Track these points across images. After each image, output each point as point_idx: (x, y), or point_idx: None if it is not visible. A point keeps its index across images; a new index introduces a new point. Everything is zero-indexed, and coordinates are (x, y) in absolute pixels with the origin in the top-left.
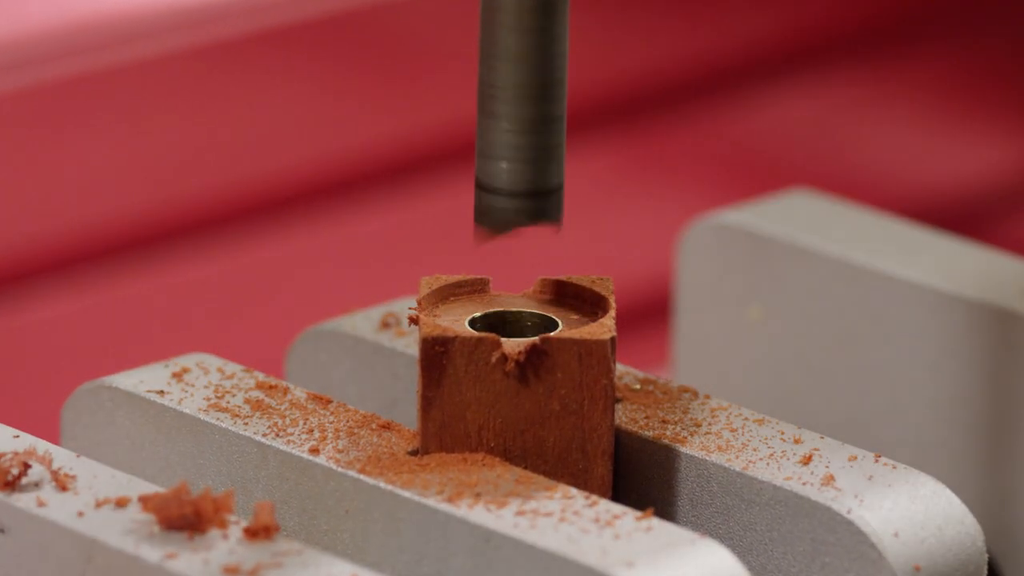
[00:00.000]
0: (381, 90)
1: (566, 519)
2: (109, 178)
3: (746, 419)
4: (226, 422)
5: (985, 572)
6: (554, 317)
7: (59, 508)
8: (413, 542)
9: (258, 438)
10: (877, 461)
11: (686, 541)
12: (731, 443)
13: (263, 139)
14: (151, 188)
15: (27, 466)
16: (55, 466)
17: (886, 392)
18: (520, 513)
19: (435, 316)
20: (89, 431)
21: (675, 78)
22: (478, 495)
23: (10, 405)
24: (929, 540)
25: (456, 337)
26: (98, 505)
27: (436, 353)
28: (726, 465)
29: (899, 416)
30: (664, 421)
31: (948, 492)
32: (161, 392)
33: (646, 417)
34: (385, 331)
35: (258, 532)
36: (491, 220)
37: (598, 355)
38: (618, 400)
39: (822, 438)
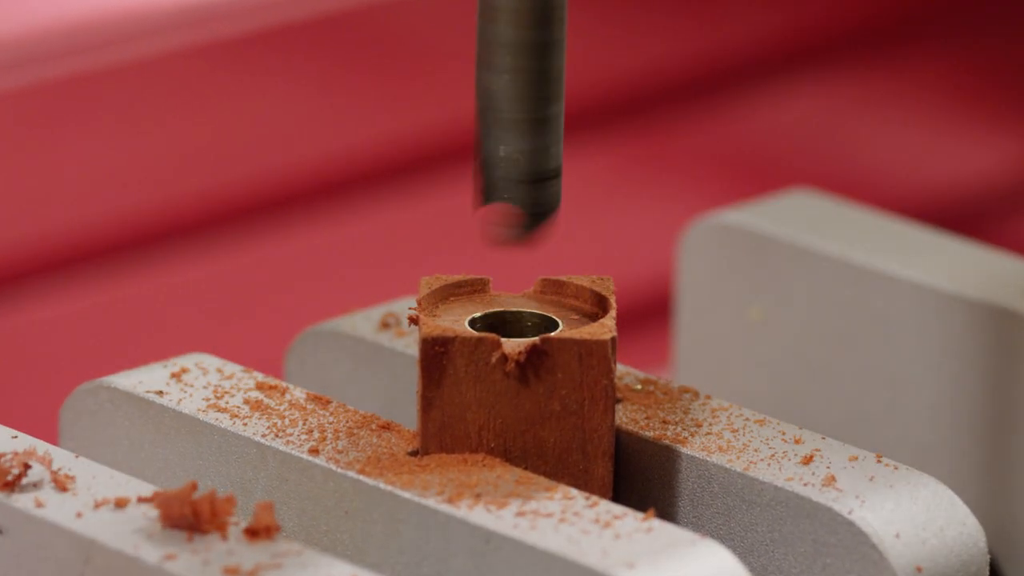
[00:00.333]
0: (381, 90)
1: (566, 520)
2: (107, 178)
3: (747, 419)
4: (225, 422)
5: (987, 573)
6: (554, 317)
7: (57, 509)
8: (413, 543)
9: (257, 439)
10: (879, 462)
11: (687, 542)
12: (732, 444)
13: (263, 139)
14: (149, 188)
15: (27, 466)
16: (54, 467)
17: (887, 392)
18: (520, 514)
19: (435, 316)
20: (88, 431)
21: (675, 78)
22: (478, 496)
23: (9, 405)
24: (931, 541)
25: (456, 337)
26: (97, 506)
27: (436, 353)
28: (727, 466)
29: (900, 416)
30: (665, 422)
31: (950, 493)
32: (160, 392)
33: (647, 417)
34: (385, 331)
35: (259, 532)
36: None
37: (598, 355)
38: (618, 400)
39: (823, 438)
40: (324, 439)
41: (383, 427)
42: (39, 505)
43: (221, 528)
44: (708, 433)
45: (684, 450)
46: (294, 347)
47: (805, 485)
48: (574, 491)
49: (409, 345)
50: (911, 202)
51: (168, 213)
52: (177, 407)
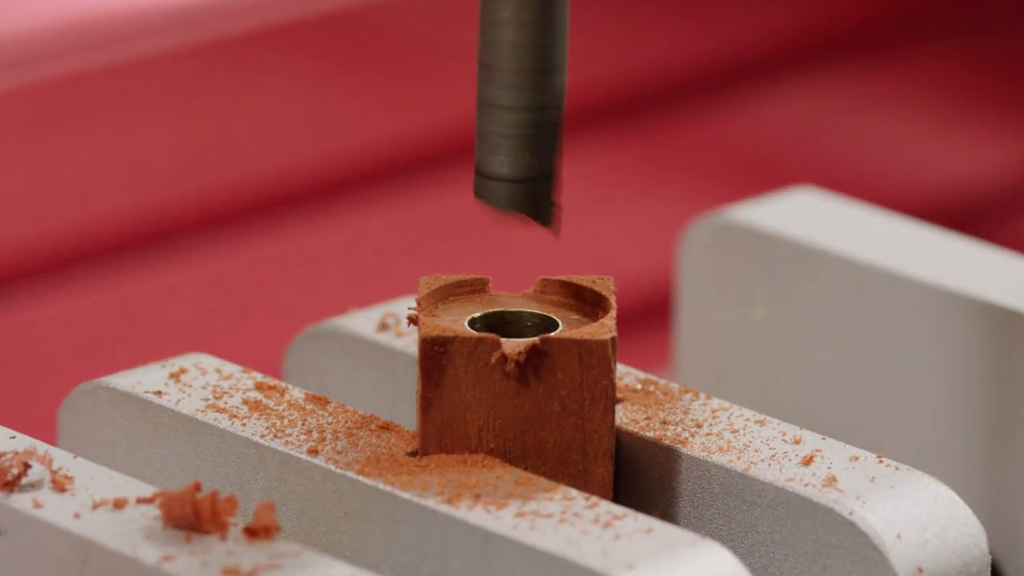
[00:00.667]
0: (380, 89)
1: (566, 520)
2: (106, 178)
3: (747, 420)
4: (224, 423)
5: (988, 574)
6: (554, 317)
7: (55, 509)
8: (412, 543)
9: (256, 439)
10: (880, 462)
11: (687, 542)
12: (732, 444)
13: (263, 138)
14: (147, 188)
15: (27, 466)
16: (52, 467)
17: (888, 392)
18: (520, 514)
19: (435, 316)
20: (86, 432)
21: (675, 77)
22: (478, 496)
23: (7, 405)
24: (932, 542)
25: (456, 337)
26: (95, 506)
27: (436, 353)
28: (727, 466)
29: (901, 416)
30: (665, 422)
31: (951, 493)
32: (159, 393)
33: (647, 418)
34: (384, 331)
35: (258, 532)
36: (488, 204)
37: (598, 355)
38: (619, 401)
39: (824, 439)
40: (323, 439)
41: (382, 427)
42: (37, 505)
43: (222, 528)
44: (708, 433)
45: (684, 450)
46: (293, 347)
47: (806, 486)
48: (574, 492)
49: (408, 345)
50: (912, 201)
51: (167, 213)
52: (176, 407)
